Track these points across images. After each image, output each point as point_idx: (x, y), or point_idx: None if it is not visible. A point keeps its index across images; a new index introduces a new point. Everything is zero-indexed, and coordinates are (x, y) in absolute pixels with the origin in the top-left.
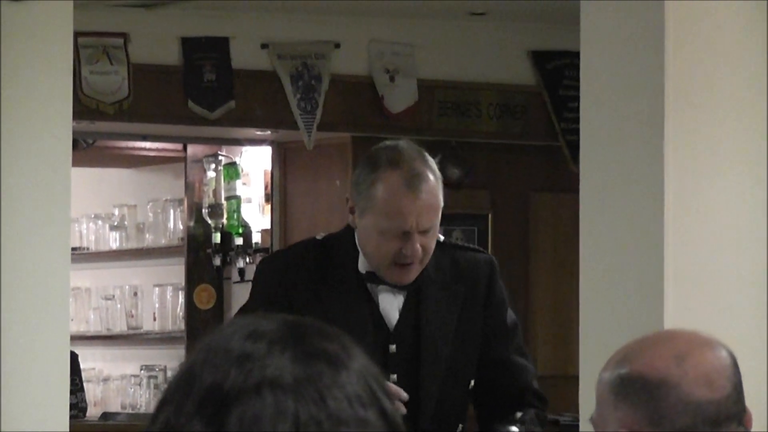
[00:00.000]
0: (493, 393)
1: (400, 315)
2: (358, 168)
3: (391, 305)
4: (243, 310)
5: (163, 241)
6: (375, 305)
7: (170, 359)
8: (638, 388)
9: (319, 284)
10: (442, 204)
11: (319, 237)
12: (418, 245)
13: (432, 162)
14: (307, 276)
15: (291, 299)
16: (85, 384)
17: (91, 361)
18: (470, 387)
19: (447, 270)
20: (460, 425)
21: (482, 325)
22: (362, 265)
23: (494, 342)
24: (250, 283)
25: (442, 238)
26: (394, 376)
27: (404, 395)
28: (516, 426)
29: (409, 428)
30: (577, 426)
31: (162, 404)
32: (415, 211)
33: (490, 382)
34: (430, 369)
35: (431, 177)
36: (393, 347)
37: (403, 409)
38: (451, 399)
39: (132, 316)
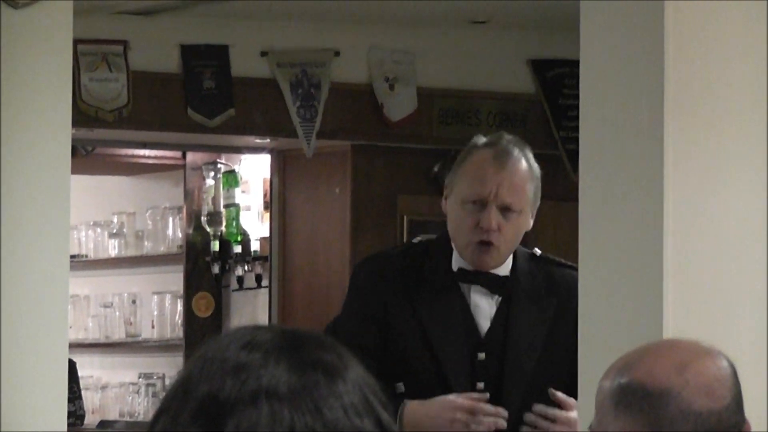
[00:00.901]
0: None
1: (492, 322)
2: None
3: (483, 309)
4: (340, 317)
5: (161, 249)
6: (467, 306)
7: (168, 367)
8: (639, 397)
9: (411, 288)
10: (529, 191)
11: (415, 240)
12: (495, 221)
13: (531, 155)
14: (402, 279)
15: (386, 304)
16: (83, 392)
17: (90, 368)
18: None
19: (541, 283)
20: None
21: (573, 342)
22: (456, 262)
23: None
24: (248, 291)
25: (539, 252)
26: (481, 385)
27: (504, 413)
28: None
29: None
30: None
31: (159, 414)
32: (495, 180)
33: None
34: (513, 381)
35: (523, 161)
36: (482, 355)
37: (504, 424)
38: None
39: (130, 324)
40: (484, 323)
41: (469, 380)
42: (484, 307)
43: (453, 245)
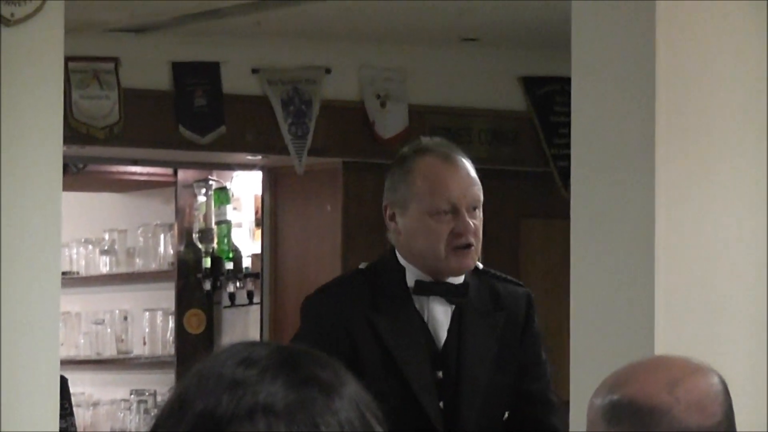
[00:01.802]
0: (525, 426)
1: (447, 334)
2: (388, 174)
3: (440, 321)
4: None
5: (153, 266)
6: (423, 321)
7: (160, 384)
8: (630, 414)
9: (369, 310)
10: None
11: (362, 266)
12: (470, 221)
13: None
14: (359, 304)
15: (348, 330)
16: (74, 408)
17: (81, 385)
18: (504, 418)
19: (487, 298)
20: None
21: (519, 356)
22: (410, 277)
23: (530, 374)
24: (239, 308)
25: (481, 266)
26: (441, 404)
27: None
28: None
29: None
30: None
31: (154, 430)
32: (458, 182)
33: (523, 415)
34: (470, 399)
35: (463, 157)
36: (440, 374)
37: None
38: (488, 429)
39: (122, 341)
40: (441, 335)
41: (434, 399)
42: (441, 319)
43: (408, 261)
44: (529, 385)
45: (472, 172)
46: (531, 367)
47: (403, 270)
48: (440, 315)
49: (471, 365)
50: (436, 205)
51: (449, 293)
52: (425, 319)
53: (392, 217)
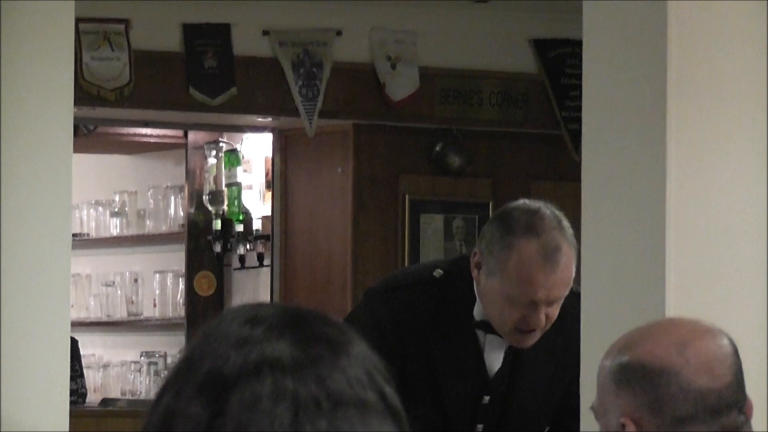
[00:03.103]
0: None
1: (501, 365)
2: (490, 223)
3: (495, 356)
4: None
5: (163, 228)
6: (480, 354)
7: (170, 346)
8: (639, 376)
9: (430, 328)
10: (574, 274)
11: (436, 275)
12: (543, 315)
13: (569, 230)
14: (422, 319)
15: (403, 342)
16: (85, 370)
17: (91, 347)
18: None
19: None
20: None
21: (575, 372)
22: (478, 313)
23: (574, 390)
24: (249, 270)
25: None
26: (480, 426)
27: None
28: None
29: None
30: None
31: (162, 390)
32: (548, 285)
33: (564, 429)
34: (515, 422)
35: (569, 250)
36: (487, 398)
37: None
38: None
39: (132, 303)
40: (495, 365)
41: (470, 422)
42: (496, 350)
43: (480, 300)
44: (572, 400)
45: (568, 269)
46: (576, 381)
47: (473, 299)
48: (497, 345)
49: (521, 392)
50: (518, 296)
51: (516, 347)
52: (482, 348)
53: (477, 266)
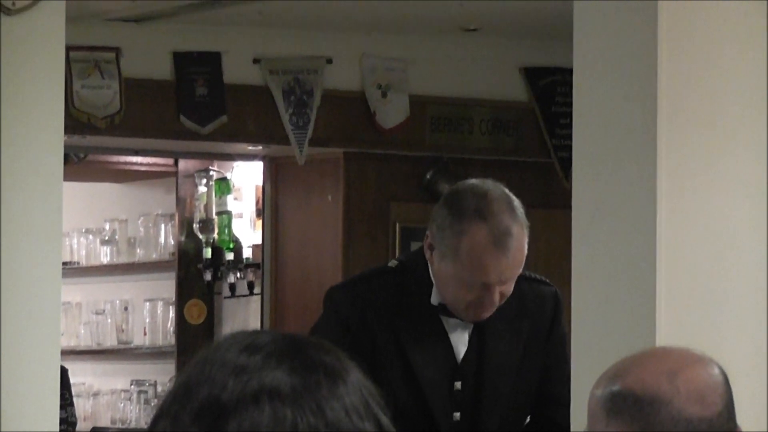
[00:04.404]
0: (546, 429)
1: (467, 347)
2: (441, 206)
3: (460, 338)
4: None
5: (154, 256)
6: (446, 337)
7: (160, 374)
8: (630, 404)
9: (394, 316)
10: (526, 252)
11: (391, 265)
12: (498, 295)
13: (520, 209)
14: (384, 306)
15: (370, 332)
16: (74, 399)
17: (81, 375)
18: (526, 422)
19: (513, 303)
20: None
21: (544, 360)
22: (435, 298)
23: (553, 376)
24: (240, 298)
25: None
26: (458, 414)
27: None
28: None
29: None
30: None
31: (158, 418)
32: (500, 268)
33: (545, 419)
34: (491, 407)
35: (519, 231)
36: (458, 384)
37: None
38: None
39: (122, 331)
40: (461, 348)
41: (448, 410)
42: (461, 333)
43: (435, 285)
44: (552, 388)
45: (519, 251)
46: (554, 369)
47: (430, 285)
48: (460, 330)
49: (491, 375)
50: (471, 280)
51: (472, 322)
52: (447, 331)
53: (430, 248)
